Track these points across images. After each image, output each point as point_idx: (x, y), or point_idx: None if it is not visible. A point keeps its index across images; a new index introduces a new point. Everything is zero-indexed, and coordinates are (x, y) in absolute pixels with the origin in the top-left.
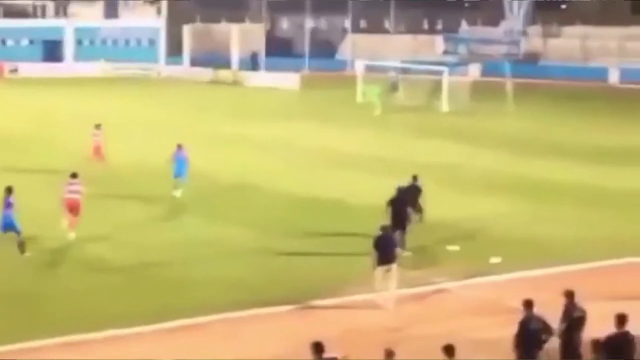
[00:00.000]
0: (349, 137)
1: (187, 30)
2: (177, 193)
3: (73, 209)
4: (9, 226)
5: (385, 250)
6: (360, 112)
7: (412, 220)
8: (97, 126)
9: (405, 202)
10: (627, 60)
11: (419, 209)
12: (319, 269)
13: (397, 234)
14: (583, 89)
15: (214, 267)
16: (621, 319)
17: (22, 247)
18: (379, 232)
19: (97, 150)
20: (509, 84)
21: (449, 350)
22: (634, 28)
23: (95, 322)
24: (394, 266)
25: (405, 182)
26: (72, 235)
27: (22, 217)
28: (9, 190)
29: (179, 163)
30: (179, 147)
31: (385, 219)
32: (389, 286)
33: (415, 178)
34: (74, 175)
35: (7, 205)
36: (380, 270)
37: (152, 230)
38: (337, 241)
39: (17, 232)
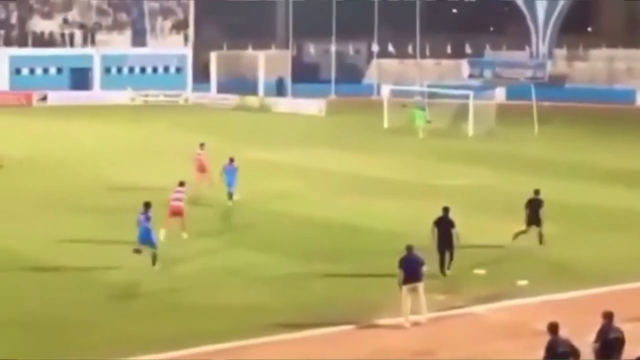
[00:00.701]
0: (375, 163)
1: (214, 57)
2: (230, 202)
3: (176, 213)
4: (147, 239)
5: (410, 269)
6: (387, 138)
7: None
8: (201, 145)
9: (451, 222)
10: None
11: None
12: (344, 293)
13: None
14: (609, 111)
15: (238, 293)
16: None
17: (154, 259)
18: (404, 252)
19: (202, 169)
20: (535, 107)
21: None
22: None
23: (120, 348)
24: (420, 285)
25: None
26: (185, 235)
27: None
28: (147, 205)
29: (230, 175)
30: (231, 160)
31: (431, 240)
32: (419, 305)
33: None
34: (181, 184)
35: (146, 219)
36: (405, 289)
37: (176, 256)
38: (362, 266)
39: (153, 246)
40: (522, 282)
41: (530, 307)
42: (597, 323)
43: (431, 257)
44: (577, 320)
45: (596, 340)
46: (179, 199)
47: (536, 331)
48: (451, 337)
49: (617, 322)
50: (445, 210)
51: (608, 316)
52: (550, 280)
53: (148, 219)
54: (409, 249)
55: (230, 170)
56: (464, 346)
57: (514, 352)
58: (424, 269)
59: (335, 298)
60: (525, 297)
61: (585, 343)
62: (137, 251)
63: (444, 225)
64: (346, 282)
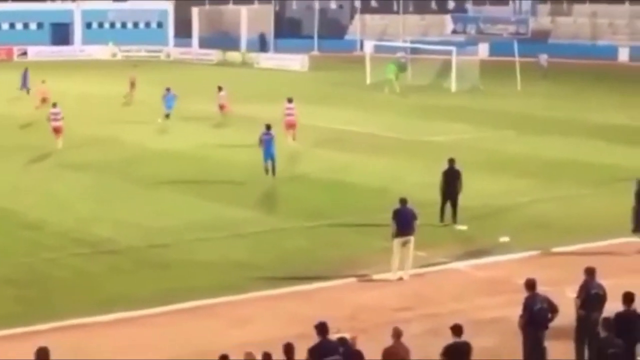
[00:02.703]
0: (358, 119)
1: (195, 12)
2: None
3: (291, 125)
4: (272, 154)
5: (403, 222)
6: (369, 94)
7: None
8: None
9: (457, 173)
10: (637, 38)
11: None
12: (326, 250)
13: (448, 206)
14: (592, 67)
15: (219, 248)
16: (628, 297)
17: (274, 170)
18: (397, 205)
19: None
20: (518, 63)
21: (457, 330)
22: None
23: (102, 304)
24: (411, 238)
25: (413, 162)
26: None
27: (34, 201)
28: (269, 127)
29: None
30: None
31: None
32: (406, 258)
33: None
34: (290, 100)
35: (270, 138)
36: (397, 242)
37: (156, 212)
38: (344, 222)
39: (274, 159)
40: (504, 239)
41: (512, 264)
42: (579, 279)
43: (423, 212)
44: (559, 276)
45: (578, 296)
46: (290, 114)
47: (517, 287)
48: (432, 293)
49: (598, 278)
50: (451, 161)
51: (590, 272)
52: (532, 236)
53: (272, 137)
54: (403, 202)
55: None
56: (444, 302)
57: (494, 307)
58: (417, 222)
59: (317, 254)
60: (506, 254)
61: (566, 299)
62: (267, 171)
63: (450, 176)
64: (329, 238)
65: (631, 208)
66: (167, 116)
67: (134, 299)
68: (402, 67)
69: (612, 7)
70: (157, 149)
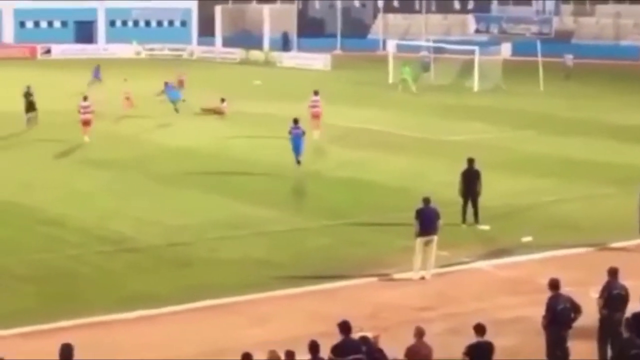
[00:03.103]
0: (380, 118)
1: (218, 11)
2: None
3: (316, 116)
4: (300, 147)
5: (426, 221)
6: (392, 93)
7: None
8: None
9: (477, 174)
10: None
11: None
12: (347, 248)
13: (469, 205)
14: (615, 67)
15: (240, 246)
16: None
17: (300, 162)
18: (421, 205)
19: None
20: (541, 63)
21: (480, 329)
22: None
23: (124, 301)
24: (434, 238)
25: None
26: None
27: (55, 197)
28: (296, 121)
29: (296, 138)
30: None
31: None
32: (428, 257)
33: (471, 161)
34: (316, 93)
35: (300, 133)
36: (420, 241)
37: (177, 209)
38: (365, 220)
39: (300, 153)
40: (527, 239)
41: (534, 263)
42: (602, 279)
43: (445, 211)
44: (582, 277)
45: (600, 296)
46: (316, 106)
47: (539, 287)
48: (454, 293)
49: (621, 279)
50: (470, 161)
51: (613, 272)
52: (555, 236)
53: (301, 131)
54: (426, 201)
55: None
56: (466, 302)
57: (516, 307)
58: (440, 222)
59: (338, 253)
60: (529, 254)
61: (589, 299)
62: (299, 162)
63: (469, 176)
64: (350, 236)
65: (638, 208)
66: (177, 110)
67: (155, 296)
68: (425, 67)
69: (635, 7)
70: (179, 146)
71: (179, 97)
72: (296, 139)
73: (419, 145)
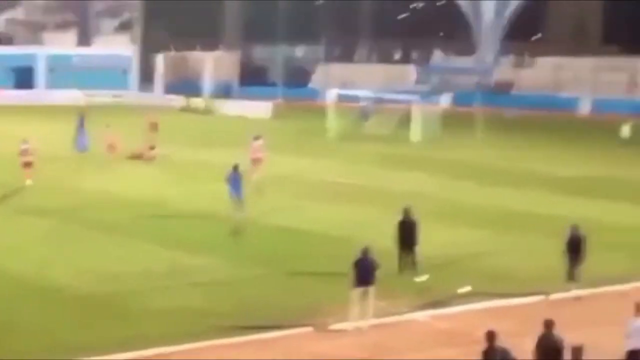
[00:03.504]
0: (320, 167)
1: (160, 58)
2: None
3: (257, 161)
4: (239, 192)
5: (363, 272)
6: (332, 142)
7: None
8: (257, 138)
9: (413, 223)
10: (599, 91)
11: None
12: (285, 297)
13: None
14: (554, 119)
15: (177, 296)
16: (576, 351)
17: (242, 207)
18: (359, 255)
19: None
20: (480, 113)
21: None
22: (606, 59)
23: (58, 352)
24: (371, 289)
25: (375, 211)
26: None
27: None
28: (236, 167)
29: (235, 183)
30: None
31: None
32: (365, 308)
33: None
34: (256, 138)
35: (238, 177)
36: (357, 291)
37: (113, 258)
38: (303, 270)
39: (241, 197)
40: (465, 289)
41: (472, 314)
42: (538, 331)
43: (382, 261)
44: (518, 328)
45: (535, 348)
46: (257, 151)
47: (476, 338)
48: (390, 344)
49: (556, 330)
50: (407, 211)
51: (548, 324)
52: (492, 287)
53: (240, 176)
54: (364, 251)
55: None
56: (403, 353)
57: (455, 358)
58: (377, 273)
59: (276, 302)
60: (466, 305)
61: (524, 351)
62: (240, 207)
63: (406, 226)
64: (288, 285)
65: (563, 254)
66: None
67: (91, 347)
68: (365, 116)
69: (574, 59)
70: (118, 193)
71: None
72: (235, 185)
73: (359, 194)
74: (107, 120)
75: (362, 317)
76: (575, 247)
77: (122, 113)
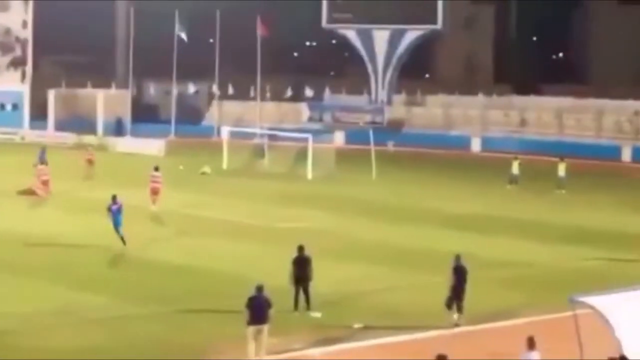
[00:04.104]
0: (214, 204)
1: (52, 95)
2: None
3: (155, 192)
4: (119, 223)
5: (257, 310)
6: (226, 180)
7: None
8: (156, 169)
9: (307, 260)
10: (489, 129)
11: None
12: (179, 336)
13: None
14: (446, 156)
15: (73, 335)
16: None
17: (123, 240)
18: (253, 292)
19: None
20: (373, 151)
21: None
22: (496, 97)
23: None
24: (265, 327)
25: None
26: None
27: None
28: (114, 198)
29: (116, 214)
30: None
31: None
32: (259, 346)
33: (301, 248)
34: (156, 169)
35: (118, 209)
36: (251, 330)
37: (4, 297)
38: (197, 307)
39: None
40: (358, 325)
41: (364, 351)
42: None
43: (276, 298)
44: None
45: None
46: (155, 181)
47: None
48: None
49: None
50: (301, 249)
51: (441, 359)
52: (385, 323)
53: (119, 207)
54: (259, 289)
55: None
56: None
57: None
58: (272, 311)
59: (170, 340)
60: (359, 341)
61: None
62: (123, 240)
63: (300, 263)
64: (182, 324)
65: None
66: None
67: None
68: (259, 154)
69: (464, 98)
70: (7, 230)
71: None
72: (116, 215)
73: (253, 232)
74: None
75: (257, 354)
76: (459, 278)
77: (13, 150)
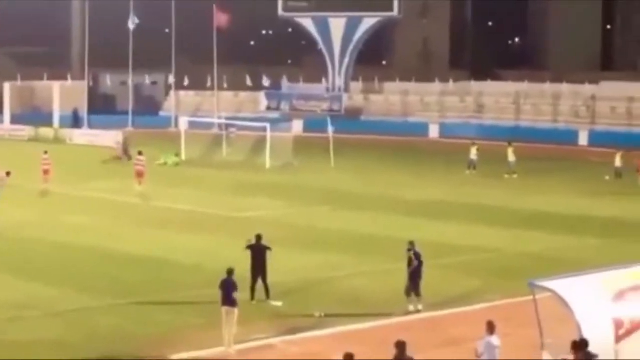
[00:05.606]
0: (173, 195)
1: (7, 88)
2: None
3: (140, 175)
4: None
5: (227, 292)
6: (184, 170)
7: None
8: (140, 153)
9: (263, 249)
10: (447, 115)
11: None
12: (142, 328)
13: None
14: (404, 143)
15: (32, 328)
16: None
17: None
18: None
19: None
20: (331, 139)
21: None
22: (452, 84)
23: None
24: (234, 311)
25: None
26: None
27: None
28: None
29: None
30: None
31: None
32: (227, 331)
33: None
34: (140, 153)
35: None
36: (223, 311)
37: None
38: (157, 299)
39: None
40: (319, 314)
41: (326, 339)
42: (391, 354)
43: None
44: (371, 351)
45: None
46: (139, 164)
47: None
48: None
49: (409, 352)
50: (258, 237)
51: (400, 346)
52: (345, 310)
53: None
54: (229, 272)
55: None
56: None
57: None
58: (236, 295)
59: (130, 332)
60: (321, 329)
61: None
62: None
63: (257, 252)
64: (144, 315)
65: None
66: None
67: None
68: (217, 144)
69: (421, 85)
70: None
71: None
72: None
73: (211, 222)
74: None
75: (227, 344)
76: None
77: None
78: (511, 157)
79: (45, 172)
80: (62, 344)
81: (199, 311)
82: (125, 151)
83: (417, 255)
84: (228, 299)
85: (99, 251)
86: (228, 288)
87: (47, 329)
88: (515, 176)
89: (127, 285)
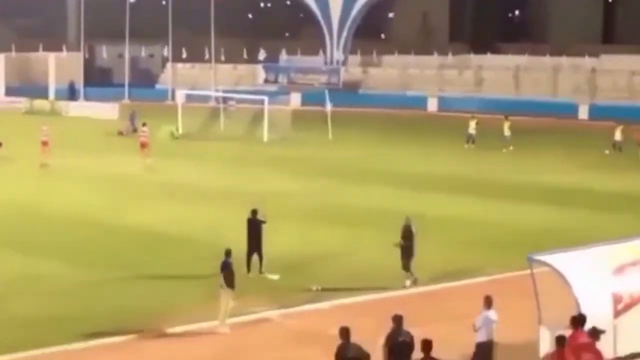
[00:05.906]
0: (171, 168)
1: (1, 59)
2: None
3: (144, 145)
4: None
5: (222, 272)
6: (181, 143)
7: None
8: (144, 124)
9: (258, 223)
10: (446, 89)
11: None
12: (145, 301)
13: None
14: (402, 117)
15: (34, 302)
16: (426, 345)
17: None
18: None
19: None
20: (329, 112)
21: None
22: (452, 57)
23: None
24: (227, 291)
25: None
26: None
27: None
28: None
29: None
30: None
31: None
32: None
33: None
34: (144, 124)
35: None
36: (221, 290)
37: None
38: (154, 273)
39: None
40: (316, 287)
41: (324, 313)
42: (389, 327)
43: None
44: (370, 325)
45: (385, 344)
46: (143, 135)
47: (331, 336)
48: (244, 344)
49: (406, 326)
50: (254, 212)
51: (397, 320)
52: (343, 285)
53: None
54: (227, 253)
55: None
56: (257, 354)
57: (307, 358)
58: (221, 277)
59: (130, 306)
60: (318, 302)
61: (376, 347)
62: None
63: (252, 226)
64: (137, 289)
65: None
66: None
67: None
68: (215, 117)
69: (420, 57)
70: None
71: None
72: None
73: (210, 196)
74: None
75: (220, 318)
76: (408, 239)
77: None
78: (507, 132)
79: (44, 143)
80: (60, 318)
81: (196, 286)
82: (132, 124)
83: (408, 233)
84: (224, 279)
85: (96, 224)
86: (224, 269)
87: (45, 304)
88: (511, 148)
89: (126, 259)
